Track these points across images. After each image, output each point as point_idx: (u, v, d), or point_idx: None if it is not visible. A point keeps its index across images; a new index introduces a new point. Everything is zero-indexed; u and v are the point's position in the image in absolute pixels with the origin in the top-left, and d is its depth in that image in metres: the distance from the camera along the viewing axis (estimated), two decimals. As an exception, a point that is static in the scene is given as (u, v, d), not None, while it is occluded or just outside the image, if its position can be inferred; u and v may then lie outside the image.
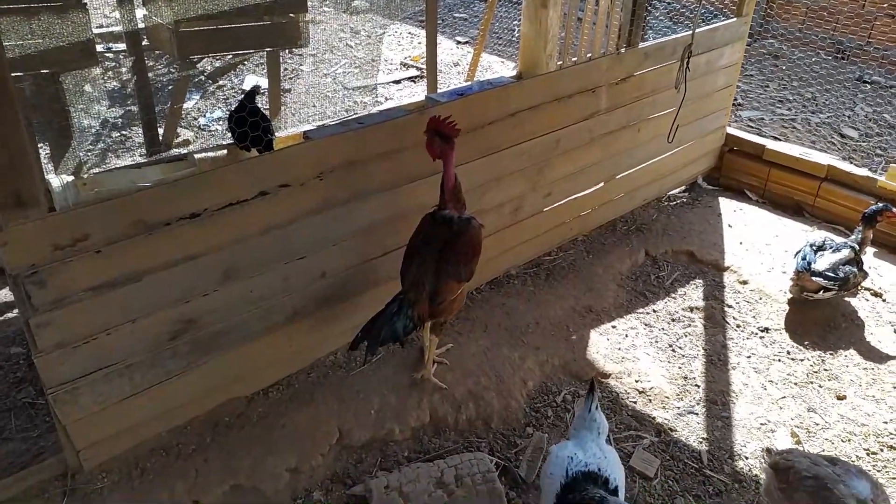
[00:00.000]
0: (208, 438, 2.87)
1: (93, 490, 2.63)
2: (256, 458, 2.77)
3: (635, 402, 3.26)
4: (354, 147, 2.94)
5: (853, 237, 3.84)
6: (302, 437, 2.87)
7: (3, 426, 2.93)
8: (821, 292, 3.67)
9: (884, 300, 3.91)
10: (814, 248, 3.79)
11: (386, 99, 6.87)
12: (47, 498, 2.59)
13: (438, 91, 4.06)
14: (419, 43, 8.25)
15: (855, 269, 3.70)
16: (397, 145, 3.05)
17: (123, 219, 2.41)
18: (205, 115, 6.36)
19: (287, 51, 7.24)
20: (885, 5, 7.60)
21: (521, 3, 3.81)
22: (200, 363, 2.83)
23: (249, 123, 3.30)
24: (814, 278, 3.63)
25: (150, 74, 6.35)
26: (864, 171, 4.50)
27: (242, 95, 3.40)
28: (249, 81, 6.96)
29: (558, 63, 3.74)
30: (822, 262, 3.68)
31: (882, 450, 3.02)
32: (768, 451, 2.72)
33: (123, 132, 5.95)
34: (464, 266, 2.83)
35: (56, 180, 3.06)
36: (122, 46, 6.79)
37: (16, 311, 3.60)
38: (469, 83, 4.79)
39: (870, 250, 4.13)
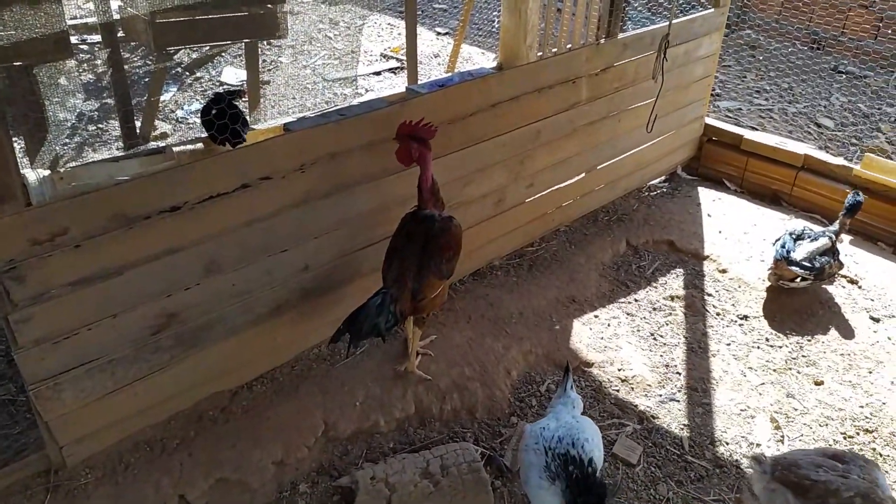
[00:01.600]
0: (193, 432, 2.85)
1: (76, 486, 2.60)
2: (242, 451, 2.77)
3: (618, 391, 3.29)
4: (336, 139, 2.93)
5: (833, 227, 3.90)
6: (287, 430, 2.87)
7: (-17, 424, 2.90)
8: (797, 280, 3.73)
9: (859, 287, 3.98)
10: (793, 236, 3.84)
11: (366, 90, 6.83)
12: (30, 495, 2.56)
13: (419, 82, 4.05)
14: (399, 34, 8.21)
15: (831, 259, 3.76)
16: (379, 137, 3.04)
17: (102, 213, 2.39)
18: (182, 108, 6.28)
19: (265, 42, 7.17)
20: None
21: (502, -7, 3.81)
22: (184, 357, 2.81)
23: (229, 115, 3.27)
24: (791, 267, 3.69)
25: (126, 66, 6.26)
26: (839, 160, 4.56)
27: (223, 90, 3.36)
28: (227, 73, 6.88)
29: (538, 54, 3.75)
30: (800, 252, 3.74)
31: (858, 433, 3.08)
32: (757, 459, 2.48)
33: (100, 125, 5.86)
34: (445, 263, 2.89)
35: (32, 175, 3.00)
36: (97, 38, 6.68)
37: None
38: (450, 74, 4.79)
39: (846, 238, 4.21)
